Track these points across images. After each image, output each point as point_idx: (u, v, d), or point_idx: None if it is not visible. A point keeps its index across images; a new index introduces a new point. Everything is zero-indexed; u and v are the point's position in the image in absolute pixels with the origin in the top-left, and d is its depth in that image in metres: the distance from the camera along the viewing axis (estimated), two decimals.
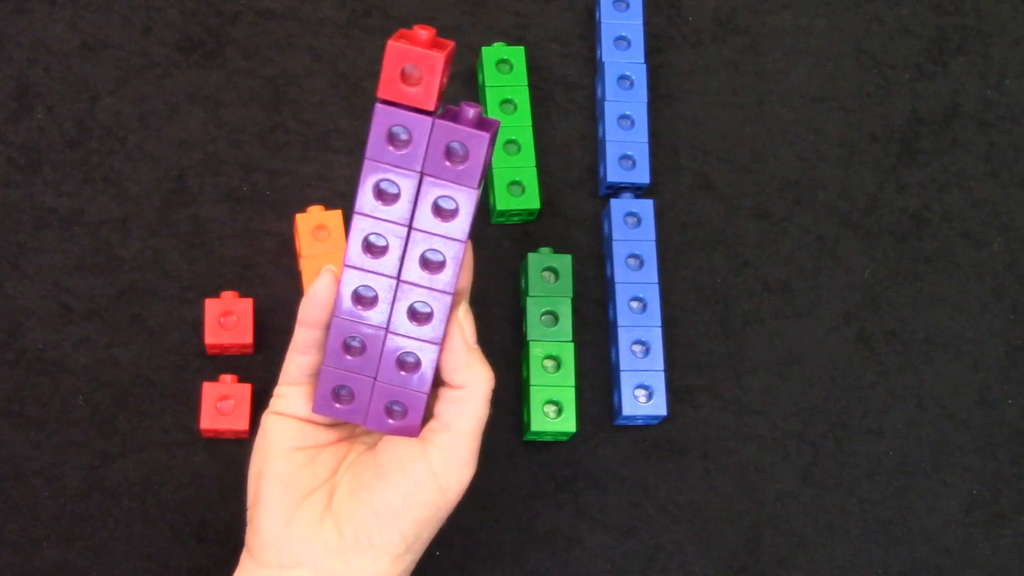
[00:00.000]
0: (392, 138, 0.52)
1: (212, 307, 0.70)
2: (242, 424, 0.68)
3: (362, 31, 0.77)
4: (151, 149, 0.74)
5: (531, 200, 0.74)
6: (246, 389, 0.69)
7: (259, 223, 0.73)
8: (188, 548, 0.68)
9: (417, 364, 0.55)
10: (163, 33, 0.76)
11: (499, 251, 0.75)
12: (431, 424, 0.56)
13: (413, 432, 0.56)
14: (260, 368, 0.71)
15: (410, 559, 0.56)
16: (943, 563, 0.72)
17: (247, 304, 0.70)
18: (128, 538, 0.68)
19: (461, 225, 0.53)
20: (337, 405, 0.56)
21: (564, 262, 0.73)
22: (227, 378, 0.69)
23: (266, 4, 0.77)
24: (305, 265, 0.70)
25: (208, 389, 0.69)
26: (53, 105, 0.74)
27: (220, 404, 0.68)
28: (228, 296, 0.70)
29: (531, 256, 0.72)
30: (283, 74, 0.76)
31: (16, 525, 0.68)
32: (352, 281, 0.54)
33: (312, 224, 0.70)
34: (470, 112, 0.52)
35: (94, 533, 0.68)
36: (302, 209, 0.72)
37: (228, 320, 0.70)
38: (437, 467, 0.54)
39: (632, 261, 0.73)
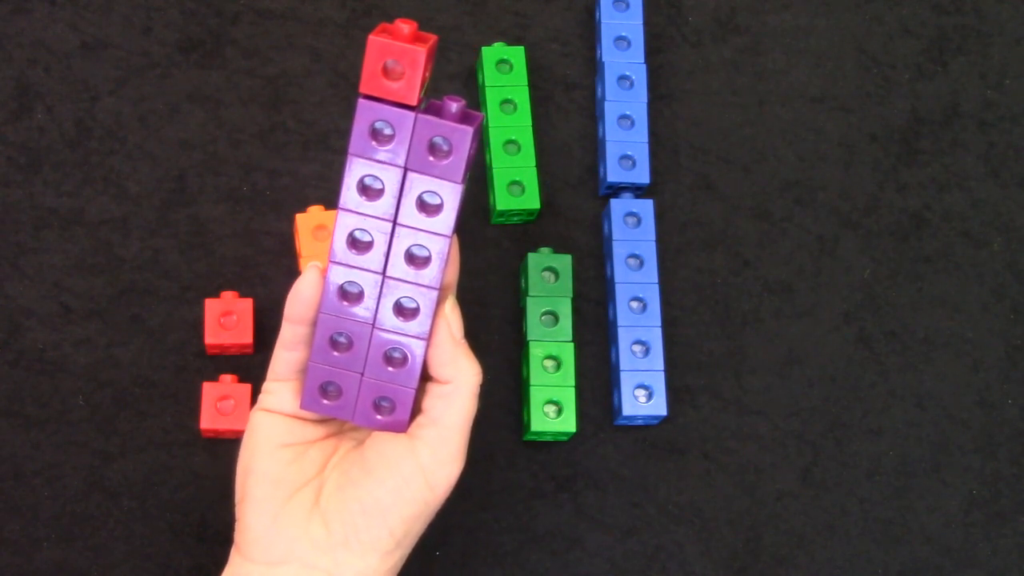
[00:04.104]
0: (375, 133, 0.52)
1: (212, 307, 0.70)
2: (242, 424, 0.68)
3: (362, 31, 0.77)
4: (151, 149, 0.74)
5: (531, 200, 0.74)
6: (246, 389, 0.69)
7: (259, 223, 0.73)
8: (188, 548, 0.68)
9: (404, 359, 0.55)
10: (163, 33, 0.76)
11: (499, 251, 0.75)
12: (419, 419, 0.55)
13: (401, 427, 0.56)
14: (260, 368, 0.70)
15: (399, 555, 0.55)
16: (943, 563, 0.72)
17: (247, 304, 0.70)
18: (128, 538, 0.68)
19: (446, 220, 0.53)
20: (325, 401, 0.56)
21: (564, 262, 0.73)
22: (227, 378, 0.69)
23: (266, 4, 0.77)
24: (305, 265, 0.70)
25: (208, 389, 0.69)
26: (53, 105, 0.74)
27: (220, 404, 0.68)
28: (228, 296, 0.70)
29: (531, 256, 0.72)
30: (283, 74, 0.76)
31: (16, 525, 0.68)
32: (338, 277, 0.54)
33: (312, 224, 0.71)
34: (453, 106, 0.52)
35: (94, 533, 0.68)
36: (302, 209, 0.72)
37: (228, 320, 0.70)
38: (425, 463, 0.54)
39: (632, 261, 0.73)
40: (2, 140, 0.73)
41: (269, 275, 0.72)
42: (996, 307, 0.77)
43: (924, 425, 0.75)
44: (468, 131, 0.51)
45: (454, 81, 0.77)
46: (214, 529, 0.68)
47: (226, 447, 0.69)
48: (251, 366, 0.71)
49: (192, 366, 0.71)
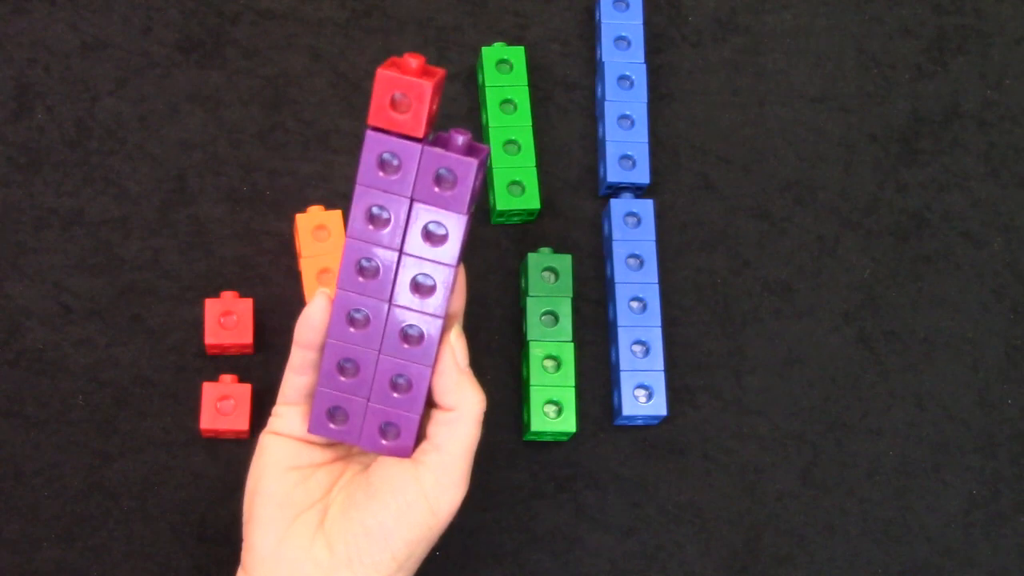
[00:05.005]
0: (383, 164, 0.53)
1: (212, 307, 0.70)
2: (242, 424, 0.68)
3: (362, 31, 0.77)
4: (151, 149, 0.74)
5: (531, 200, 0.74)
6: (246, 389, 0.69)
7: (259, 223, 0.73)
8: (188, 548, 0.68)
9: (409, 386, 0.56)
10: (163, 33, 0.76)
11: (499, 251, 0.75)
12: (423, 445, 0.56)
13: (406, 453, 0.57)
14: (260, 368, 0.71)
15: None
16: (943, 563, 0.72)
17: (247, 304, 0.70)
18: (128, 538, 0.68)
19: (451, 250, 0.54)
20: (332, 425, 0.57)
21: (564, 262, 0.73)
22: (227, 378, 0.69)
23: (266, 4, 0.77)
24: (305, 265, 0.70)
25: (208, 389, 0.69)
26: (53, 105, 0.74)
27: (220, 404, 0.68)
28: (228, 296, 0.70)
29: (531, 256, 0.73)
30: (283, 74, 0.76)
31: (16, 525, 0.68)
32: (345, 304, 0.55)
33: (312, 224, 0.71)
34: (459, 139, 0.53)
35: (94, 533, 0.68)
36: (302, 209, 0.72)
37: (228, 320, 0.70)
38: (428, 488, 0.55)
39: (632, 261, 0.73)
40: (2, 140, 0.73)
41: (269, 275, 0.72)
42: (996, 307, 0.77)
43: (924, 425, 0.75)
44: (473, 163, 0.52)
45: (454, 81, 0.77)
46: (214, 529, 0.68)
47: (226, 447, 0.69)
48: (251, 366, 0.71)
49: (192, 366, 0.71)
